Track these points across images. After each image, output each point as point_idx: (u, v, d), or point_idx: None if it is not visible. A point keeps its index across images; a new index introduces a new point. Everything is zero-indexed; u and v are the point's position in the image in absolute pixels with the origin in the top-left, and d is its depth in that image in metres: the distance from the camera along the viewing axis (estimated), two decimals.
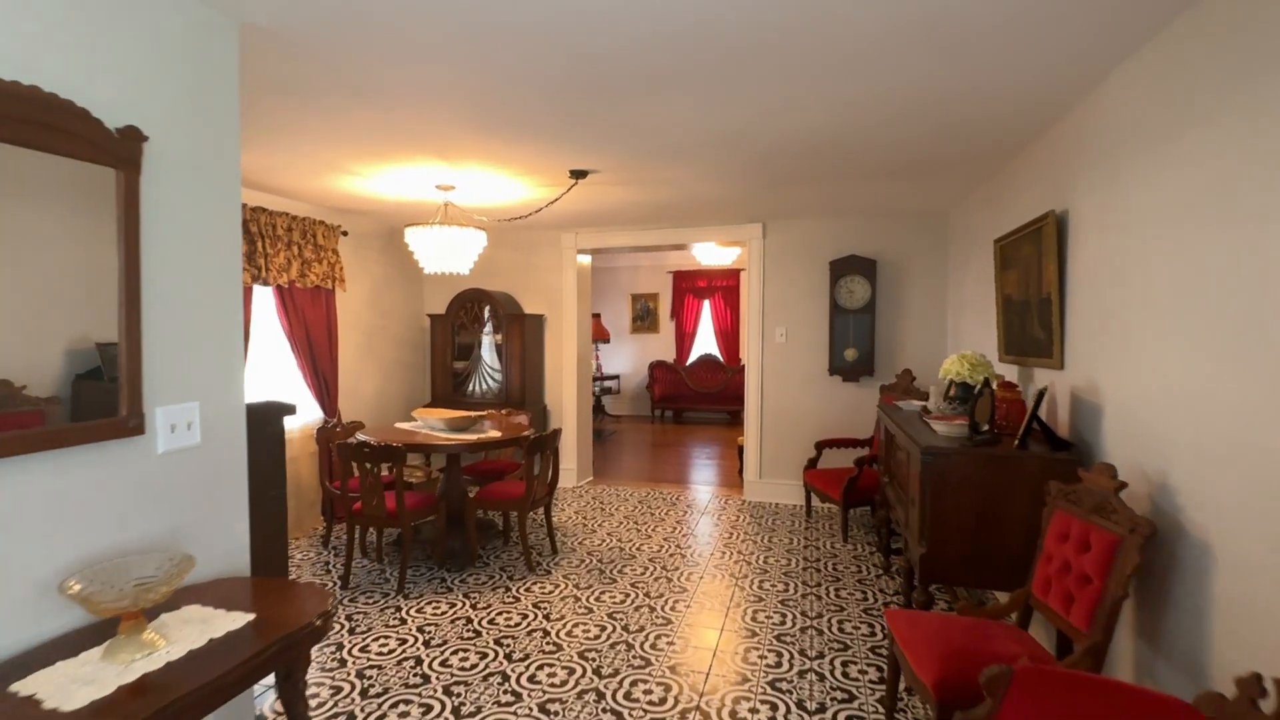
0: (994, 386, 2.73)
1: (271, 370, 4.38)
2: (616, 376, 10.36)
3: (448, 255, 3.81)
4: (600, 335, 9.86)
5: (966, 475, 2.41)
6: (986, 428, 2.56)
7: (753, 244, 5.18)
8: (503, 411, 4.81)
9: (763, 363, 5.21)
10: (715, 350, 10.18)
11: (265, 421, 2.30)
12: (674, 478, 6.21)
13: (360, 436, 3.74)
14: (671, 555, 4.05)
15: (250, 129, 2.79)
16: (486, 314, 5.44)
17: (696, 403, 9.74)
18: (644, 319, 10.52)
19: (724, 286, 10.03)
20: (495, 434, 3.88)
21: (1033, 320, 2.93)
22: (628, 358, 10.64)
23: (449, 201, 3.95)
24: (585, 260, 5.89)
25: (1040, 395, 2.49)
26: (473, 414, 4.02)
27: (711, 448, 7.79)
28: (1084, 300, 2.47)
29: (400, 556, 3.52)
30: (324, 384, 4.62)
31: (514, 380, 5.40)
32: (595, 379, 9.97)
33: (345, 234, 4.89)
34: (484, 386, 5.59)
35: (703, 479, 6.18)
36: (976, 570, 2.44)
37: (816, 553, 4.10)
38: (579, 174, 3.54)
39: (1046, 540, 2.11)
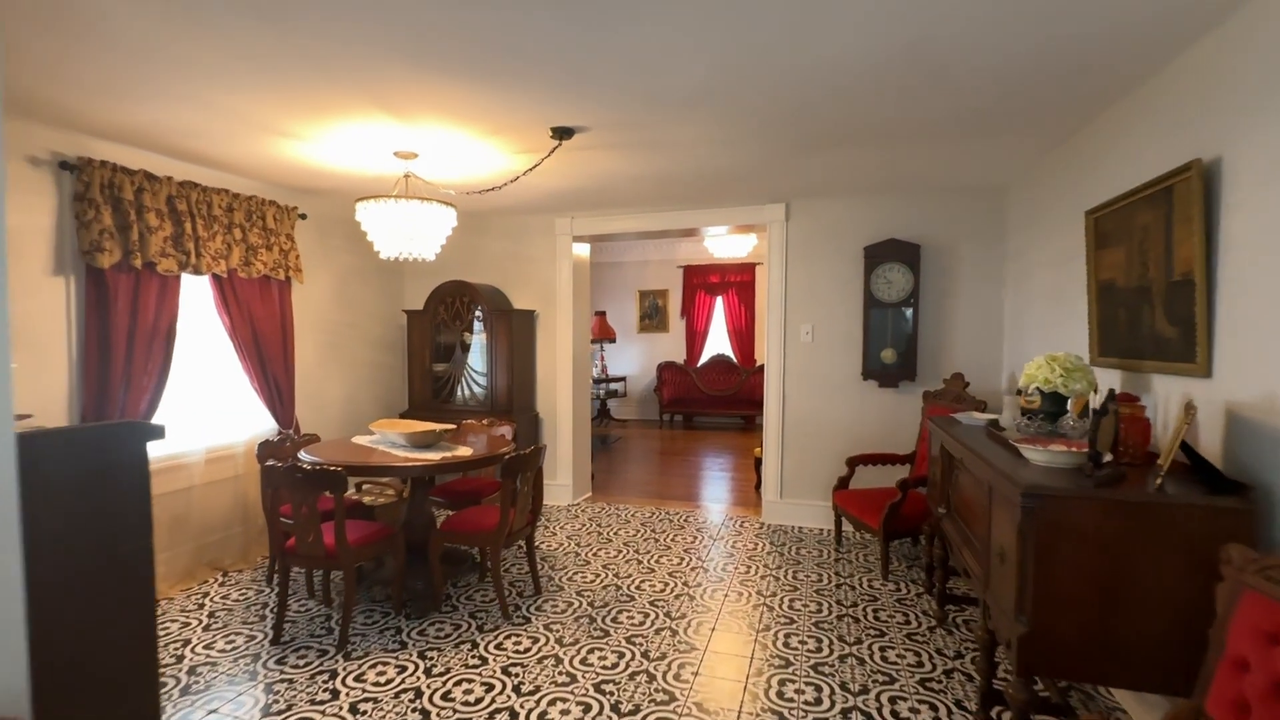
0: (1110, 401, 2.03)
1: (211, 374, 3.76)
2: (623, 379, 9.70)
3: (408, 235, 3.16)
4: (605, 334, 9.21)
5: (1088, 527, 1.71)
6: (1109, 458, 1.86)
7: (773, 228, 4.48)
8: (483, 421, 4.17)
9: (785, 365, 4.52)
10: (728, 350, 9.48)
11: (109, 450, 1.66)
12: (683, 493, 5.52)
13: (304, 456, 3.10)
14: (678, 597, 3.37)
15: (106, 51, 2.15)
16: (470, 310, 4.79)
17: (708, 407, 9.05)
18: (652, 317, 9.86)
19: (738, 282, 9.33)
20: (464, 452, 3.23)
21: (1153, 311, 2.22)
22: (635, 358, 9.97)
23: (410, 173, 3.30)
24: (583, 252, 5.23)
25: (1188, 413, 1.79)
26: (438, 428, 3.37)
27: (724, 457, 7.09)
28: (1250, 282, 1.76)
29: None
30: (276, 390, 4.00)
31: (500, 384, 4.75)
32: (599, 381, 9.33)
33: (304, 217, 4.26)
34: (468, 392, 4.95)
35: (715, 495, 5.50)
36: (1100, 662, 1.74)
37: (852, 594, 3.40)
38: (562, 133, 2.87)
39: (1233, 637, 1.41)
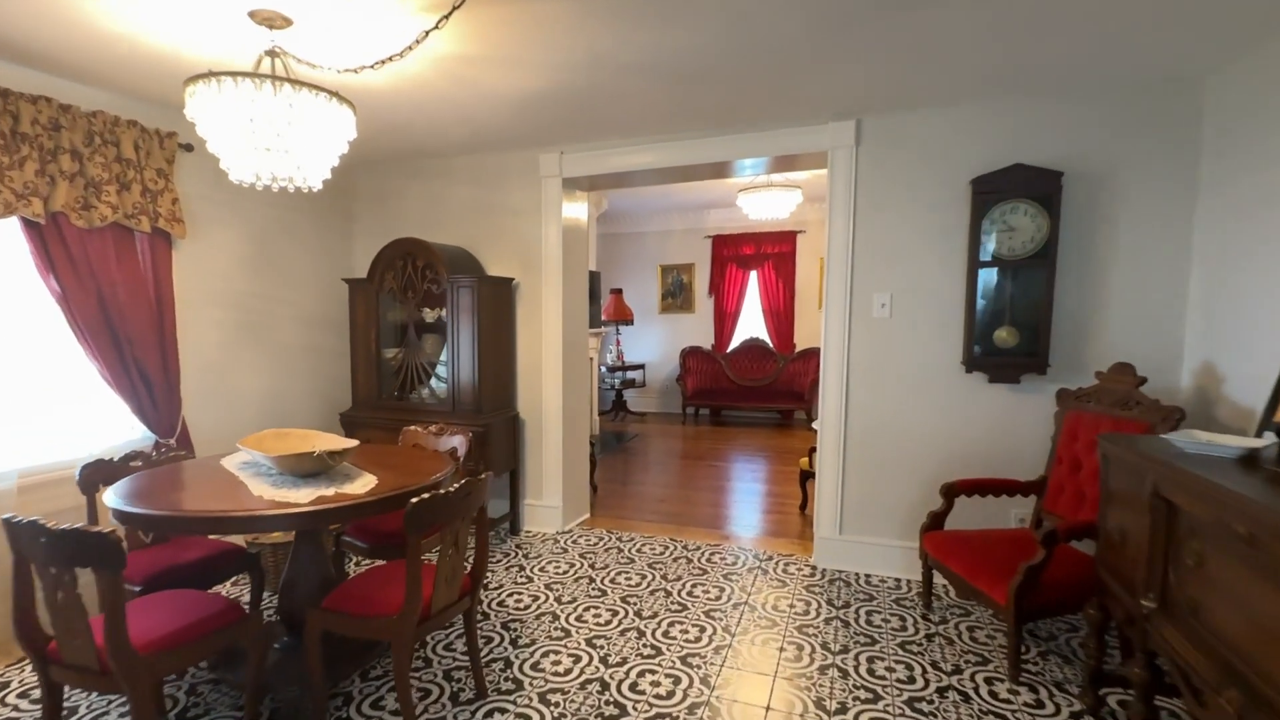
0: None
1: (41, 363, 2.68)
2: (641, 366, 8.50)
3: (275, 146, 1.98)
4: (622, 315, 8.02)
5: None
6: None
7: (837, 159, 3.19)
8: (430, 429, 3.02)
9: (848, 351, 3.25)
10: (763, 334, 8.19)
11: None
12: (707, 515, 4.32)
13: (109, 499, 1.99)
14: (694, 708, 2.19)
15: None
16: (425, 278, 3.62)
17: (739, 399, 7.80)
18: (676, 295, 8.61)
19: (776, 253, 8.00)
20: (362, 487, 2.06)
21: None
22: (655, 343, 8.76)
23: (277, 48, 2.11)
24: (576, 212, 4.02)
25: None
26: (338, 445, 2.22)
27: (759, 462, 5.85)
28: None
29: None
30: (144, 384, 2.91)
31: (463, 376, 3.59)
32: (615, 369, 8.15)
33: (189, 149, 3.14)
34: (425, 385, 3.80)
35: (748, 519, 4.27)
36: None
37: (965, 708, 2.17)
38: None
39: None
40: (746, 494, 4.88)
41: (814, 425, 4.67)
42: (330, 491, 1.98)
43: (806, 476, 4.35)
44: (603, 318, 8.03)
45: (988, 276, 2.91)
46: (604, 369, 8.26)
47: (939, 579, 3.10)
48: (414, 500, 1.81)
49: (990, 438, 3.02)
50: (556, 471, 3.91)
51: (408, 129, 3.33)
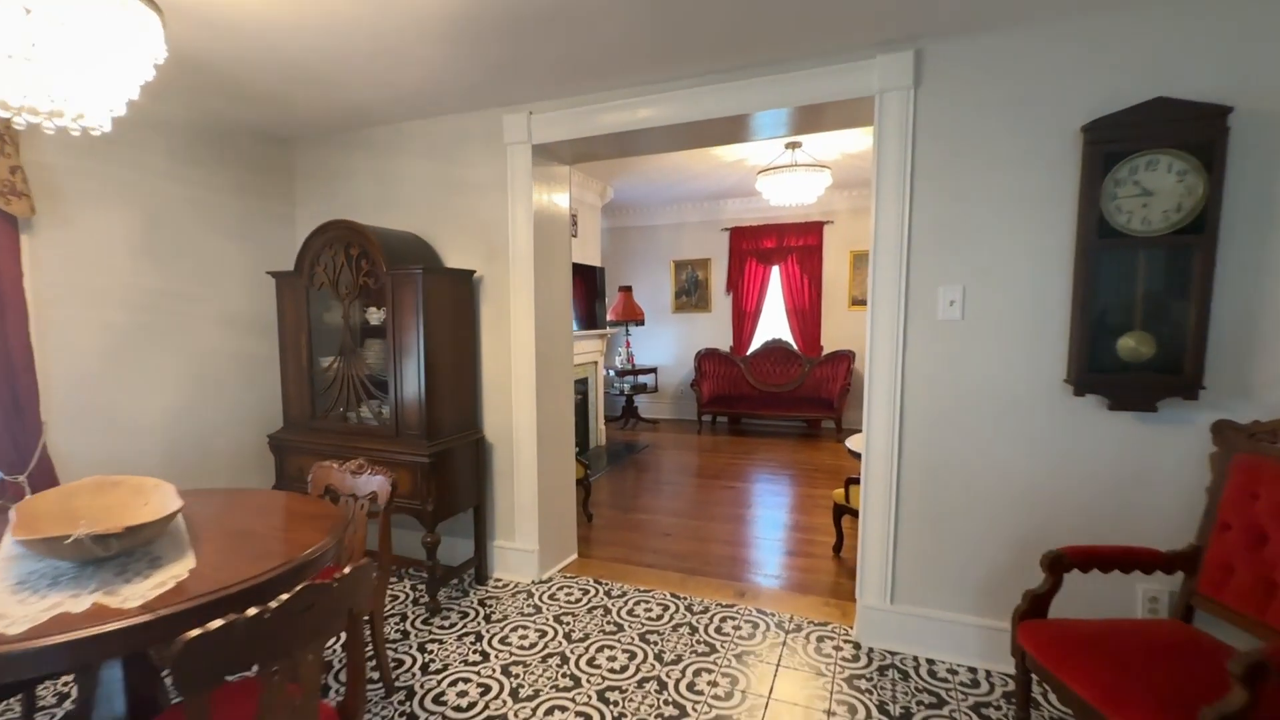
0: None
1: None
2: (653, 370, 7.73)
3: (15, 53, 1.26)
4: (632, 315, 7.26)
5: None
6: None
7: (887, 107, 2.37)
8: (347, 466, 2.29)
9: (902, 362, 2.43)
10: (787, 335, 7.36)
11: None
12: (720, 558, 3.53)
13: None
14: None
15: None
16: (362, 269, 2.89)
17: (760, 406, 6.98)
18: (690, 294, 7.82)
19: (800, 247, 7.17)
20: (155, 587, 1.32)
21: None
22: (668, 345, 7.98)
23: None
24: (553, 189, 3.27)
25: None
26: (118, 527, 1.49)
27: (783, 483, 5.04)
28: None
29: None
30: None
31: (407, 392, 2.85)
32: (625, 373, 7.40)
33: None
34: (368, 402, 3.07)
35: (771, 566, 3.47)
36: None
37: None
38: None
39: None
40: (768, 526, 4.07)
41: (848, 444, 3.86)
42: (89, 602, 1.24)
43: (842, 512, 3.54)
44: (610, 318, 7.29)
45: (1108, 261, 2.08)
46: (612, 373, 7.52)
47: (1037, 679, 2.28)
48: (189, 637, 1.06)
49: (1109, 486, 2.18)
50: (531, 507, 3.16)
51: (324, 78, 2.61)
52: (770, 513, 4.37)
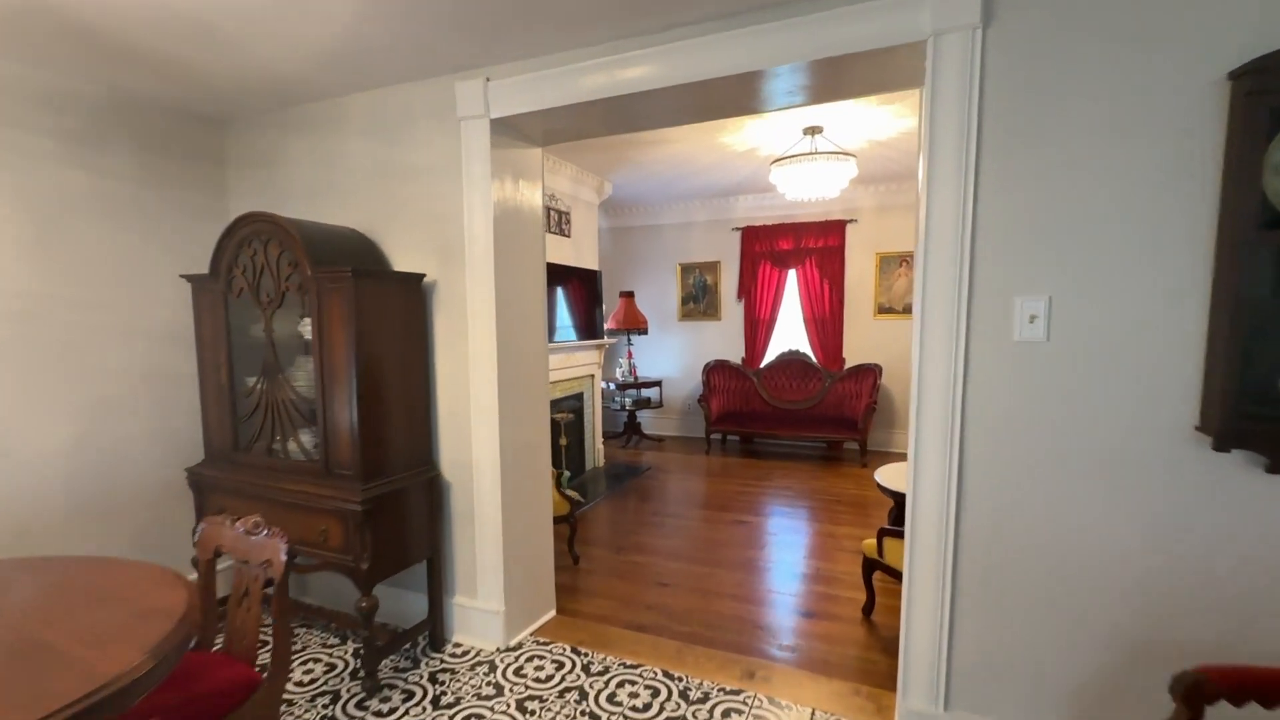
0: None
1: None
2: (657, 383, 7.15)
3: None
4: (634, 323, 6.72)
5: None
6: None
7: (943, 55, 1.78)
8: (241, 525, 1.75)
9: (961, 395, 1.84)
10: (805, 346, 6.76)
11: None
12: (725, 619, 2.93)
13: None
14: None
15: None
16: (283, 271, 2.36)
17: (775, 425, 6.37)
18: (698, 300, 7.25)
19: (820, 248, 6.56)
20: None
21: None
22: (674, 355, 7.40)
23: None
24: (519, 175, 2.73)
25: None
26: None
27: (800, 518, 4.43)
28: None
29: None
30: None
31: (338, 420, 2.30)
32: (627, 386, 6.85)
33: None
34: (298, 433, 2.53)
35: (786, 633, 2.87)
36: None
37: None
38: None
39: None
40: (784, 575, 3.48)
41: (879, 478, 3.27)
42: None
43: (874, 567, 2.94)
44: (609, 326, 6.75)
45: (1271, 260, 1.48)
46: (612, 386, 6.96)
47: None
48: None
49: (1268, 579, 1.57)
50: (494, 558, 2.60)
51: (228, 39, 2.08)
52: (786, 555, 3.77)
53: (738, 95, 2.22)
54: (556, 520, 3.51)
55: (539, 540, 2.86)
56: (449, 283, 2.58)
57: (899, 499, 3.69)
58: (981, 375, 1.82)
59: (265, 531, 1.71)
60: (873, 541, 2.93)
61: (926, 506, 1.93)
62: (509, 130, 2.50)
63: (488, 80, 2.37)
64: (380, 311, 2.35)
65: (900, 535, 2.74)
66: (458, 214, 2.52)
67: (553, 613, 2.95)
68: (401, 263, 2.65)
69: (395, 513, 2.39)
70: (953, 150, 1.80)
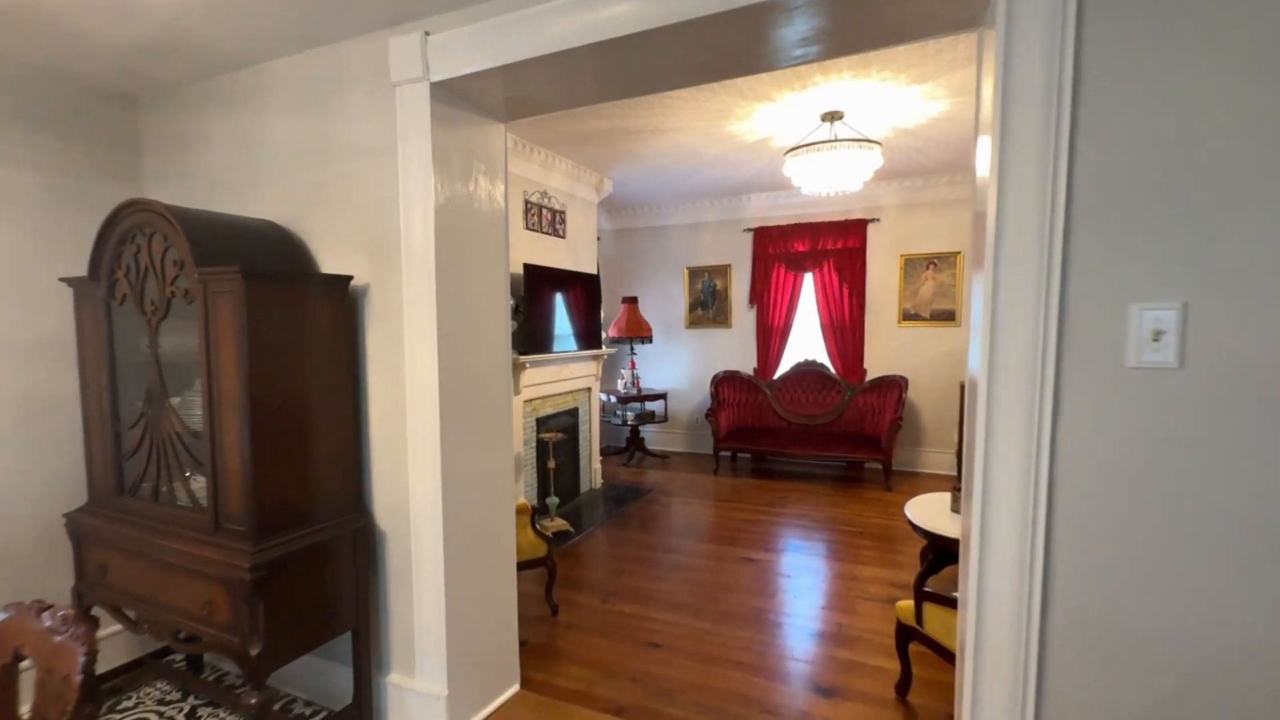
0: None
1: None
2: (662, 395, 6.63)
3: None
4: (637, 330, 6.23)
5: None
6: None
7: None
8: (47, 618, 1.26)
9: (1050, 440, 1.30)
10: (823, 356, 6.21)
11: None
12: (728, 701, 2.39)
13: None
14: None
15: None
16: (170, 272, 1.89)
17: (790, 443, 5.81)
18: (707, 306, 6.74)
19: (839, 250, 6.02)
20: None
21: None
22: (681, 365, 6.89)
23: None
24: (472, 155, 2.26)
25: None
26: None
27: (817, 554, 3.87)
28: None
29: None
30: None
31: (229, 459, 1.81)
32: (629, 400, 6.35)
33: None
34: (187, 474, 2.05)
35: (804, 716, 2.33)
36: None
37: None
38: None
39: None
40: (799, 635, 2.93)
41: (910, 514, 2.72)
42: None
43: (910, 635, 2.39)
44: (610, 334, 6.26)
45: None
46: (613, 399, 6.46)
47: None
48: None
49: None
50: (436, 627, 2.09)
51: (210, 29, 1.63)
52: (801, 605, 3.23)
53: (743, 44, 1.71)
54: (531, 564, 3.01)
55: (498, 598, 2.35)
56: (385, 288, 2.09)
57: (936, 541, 3.13)
58: (1079, 412, 1.28)
59: (69, 630, 1.22)
60: (908, 604, 2.38)
61: (996, 591, 1.39)
62: (458, 98, 2.02)
63: (427, 34, 1.88)
64: (288, 322, 1.87)
65: (947, 603, 2.20)
66: (391, 202, 2.04)
67: (516, 687, 2.43)
68: (332, 263, 2.17)
69: (305, 576, 1.90)
70: (1036, 103, 1.28)
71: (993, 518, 1.40)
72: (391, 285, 2.08)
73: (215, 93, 2.35)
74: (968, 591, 1.47)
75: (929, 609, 2.28)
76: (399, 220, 2.02)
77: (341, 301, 2.06)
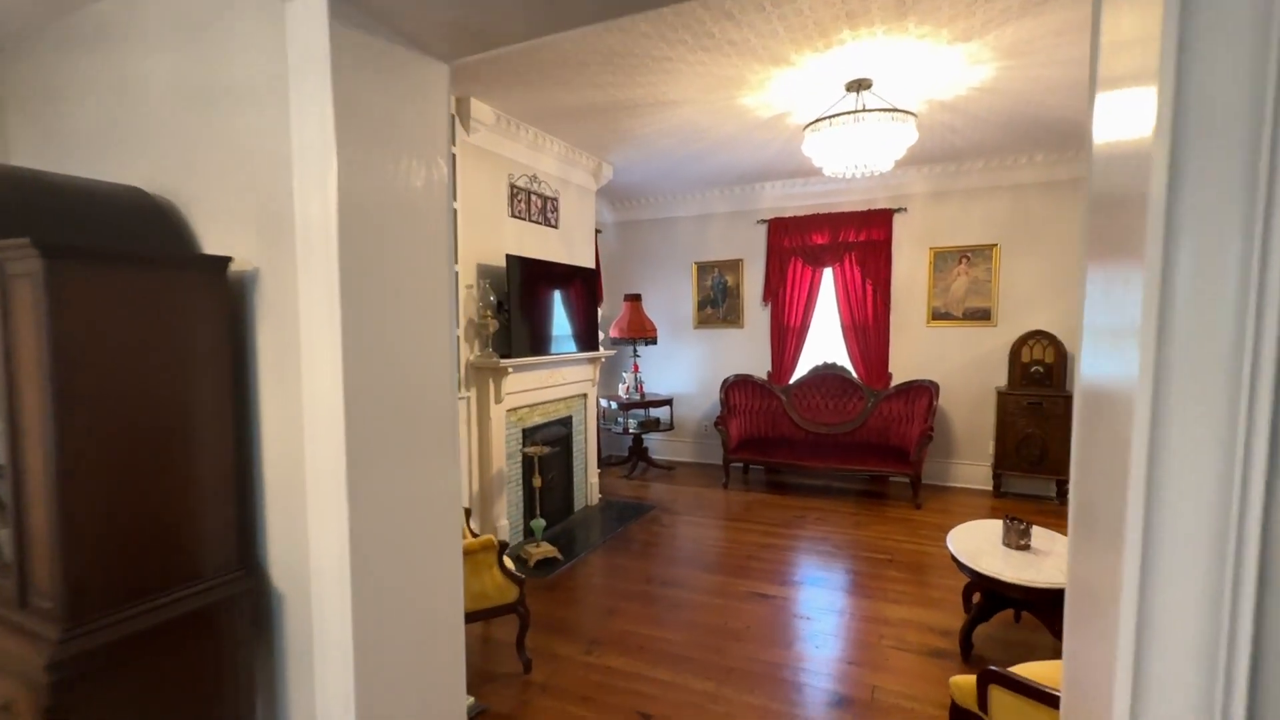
0: None
1: None
2: (667, 401, 6.10)
3: None
4: (641, 331, 5.73)
5: None
6: None
7: None
8: None
9: (1241, 491, 0.75)
10: (843, 359, 5.64)
11: None
12: None
13: None
14: None
15: None
16: None
17: (807, 454, 5.25)
18: (717, 304, 6.20)
19: (861, 243, 5.46)
20: None
21: None
22: (688, 368, 6.35)
23: None
24: (395, 119, 1.87)
25: None
26: None
27: (838, 589, 3.32)
28: None
29: None
30: None
31: (36, 512, 1.32)
32: (631, 406, 5.84)
33: None
34: None
35: None
36: None
37: None
38: None
39: None
40: (821, 701, 2.39)
41: (953, 548, 2.17)
42: None
43: (964, 717, 1.85)
44: (611, 335, 5.75)
45: None
46: (613, 405, 5.95)
47: None
48: None
49: None
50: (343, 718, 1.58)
51: None
52: (822, 658, 2.69)
53: None
54: (499, 611, 2.51)
55: (437, 667, 1.84)
56: (279, 275, 1.59)
57: (986, 584, 2.59)
58: None
59: None
60: (967, 682, 1.83)
61: (1156, 696, 0.85)
62: (374, 21, 1.50)
63: None
64: (132, 318, 1.37)
65: (1028, 694, 1.64)
66: (284, 162, 1.53)
67: None
68: (215, 242, 1.67)
69: (160, 666, 1.40)
70: (1243, 27, 0.73)
71: (1157, 585, 0.85)
72: (287, 272, 1.57)
73: (81, 29, 1.87)
74: (1085, 690, 0.93)
75: (998, 695, 1.74)
76: (290, 184, 1.52)
77: (216, 292, 1.55)
